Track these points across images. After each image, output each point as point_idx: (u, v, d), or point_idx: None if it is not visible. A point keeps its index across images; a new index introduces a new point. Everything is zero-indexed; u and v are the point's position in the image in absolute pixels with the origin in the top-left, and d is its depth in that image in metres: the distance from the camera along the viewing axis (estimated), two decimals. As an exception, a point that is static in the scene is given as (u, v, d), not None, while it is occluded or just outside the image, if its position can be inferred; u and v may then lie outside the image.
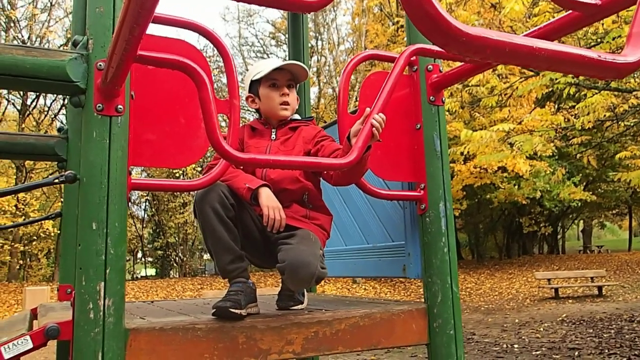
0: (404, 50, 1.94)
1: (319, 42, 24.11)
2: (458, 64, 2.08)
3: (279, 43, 26.12)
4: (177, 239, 25.82)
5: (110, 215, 1.48)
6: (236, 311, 1.69)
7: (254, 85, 2.21)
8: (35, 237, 20.76)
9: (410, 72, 2.15)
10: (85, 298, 1.43)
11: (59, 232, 20.19)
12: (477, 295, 16.58)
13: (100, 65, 1.56)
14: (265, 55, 25.40)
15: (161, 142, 1.72)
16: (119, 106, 1.56)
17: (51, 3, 20.56)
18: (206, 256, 29.40)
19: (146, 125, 1.70)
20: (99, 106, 1.53)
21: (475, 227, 28.05)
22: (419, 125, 2.08)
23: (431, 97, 2.08)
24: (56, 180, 1.51)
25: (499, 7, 7.97)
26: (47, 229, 19.05)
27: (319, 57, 24.13)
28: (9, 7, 19.46)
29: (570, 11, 1.51)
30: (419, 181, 2.06)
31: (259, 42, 26.80)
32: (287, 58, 3.57)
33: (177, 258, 26.32)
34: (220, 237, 1.82)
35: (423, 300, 2.00)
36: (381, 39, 21.24)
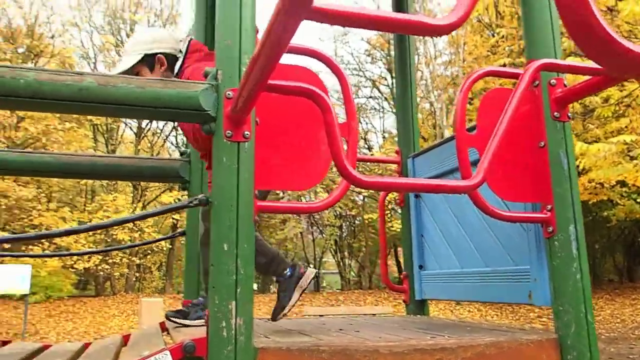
0: (527, 66, 1.85)
1: (415, 57, 23.78)
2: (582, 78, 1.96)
3: (374, 60, 26.17)
4: (277, 254, 26.46)
5: (240, 237, 1.55)
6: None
7: None
8: (149, 251, 22.28)
9: (532, 87, 2.05)
10: (218, 316, 1.49)
11: (170, 247, 21.56)
12: (597, 322, 15.24)
13: (229, 94, 1.64)
14: (360, 72, 25.52)
15: (283, 165, 1.77)
16: (246, 132, 1.63)
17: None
18: (305, 272, 29.71)
19: (269, 149, 1.76)
20: (228, 133, 1.62)
21: (591, 248, 25.92)
22: (542, 143, 1.97)
23: (555, 113, 1.96)
24: (191, 204, 1.61)
25: (615, 10, 7.42)
26: (160, 243, 20.34)
27: (415, 72, 23.79)
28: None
29: None
30: (543, 202, 1.94)
31: (354, 59, 27.03)
32: (394, 75, 3.59)
33: (277, 273, 26.95)
34: None
35: (553, 330, 1.86)
36: (480, 50, 20.55)
